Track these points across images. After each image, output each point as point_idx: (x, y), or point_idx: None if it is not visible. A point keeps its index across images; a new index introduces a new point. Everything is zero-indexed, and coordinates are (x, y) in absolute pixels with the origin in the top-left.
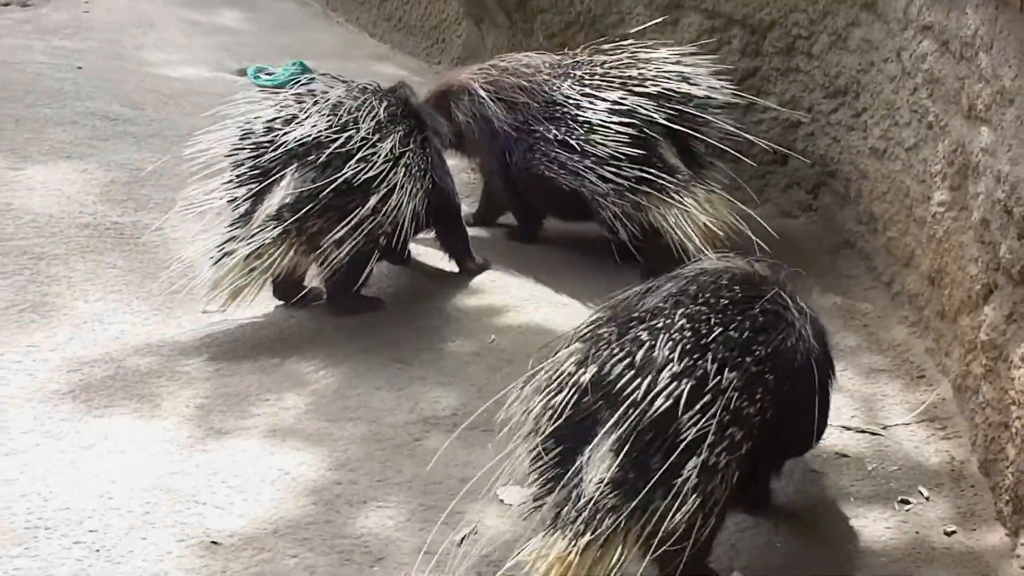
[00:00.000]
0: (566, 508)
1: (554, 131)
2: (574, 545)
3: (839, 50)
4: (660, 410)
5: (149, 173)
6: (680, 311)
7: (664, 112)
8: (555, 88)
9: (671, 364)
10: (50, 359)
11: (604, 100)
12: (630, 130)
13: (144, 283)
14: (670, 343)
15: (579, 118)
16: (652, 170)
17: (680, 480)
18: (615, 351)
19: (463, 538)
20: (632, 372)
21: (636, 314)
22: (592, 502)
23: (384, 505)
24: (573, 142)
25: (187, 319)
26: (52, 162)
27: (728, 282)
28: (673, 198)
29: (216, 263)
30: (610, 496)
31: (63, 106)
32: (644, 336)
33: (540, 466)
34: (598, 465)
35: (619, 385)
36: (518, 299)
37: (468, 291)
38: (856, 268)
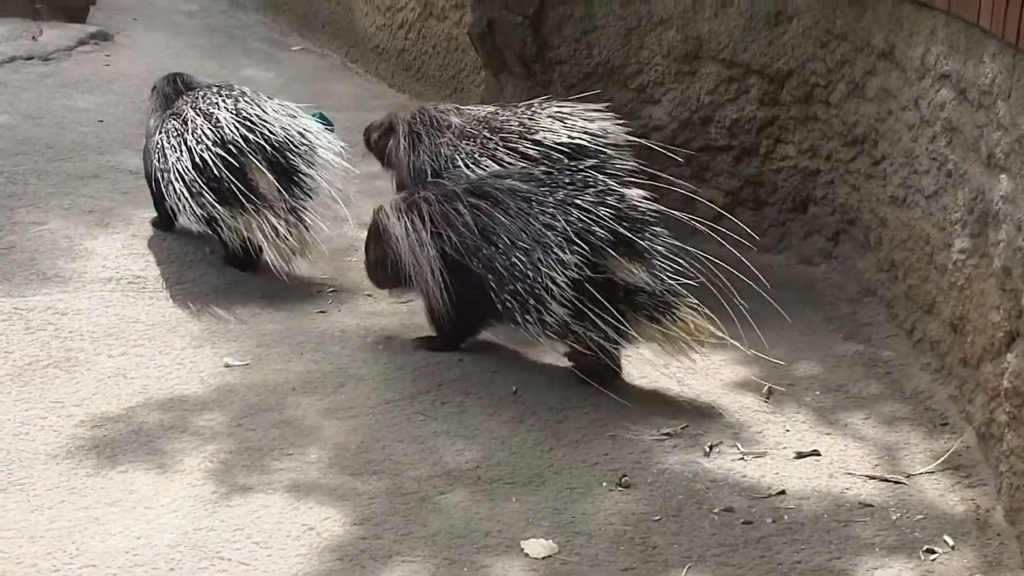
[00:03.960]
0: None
1: None
2: (689, 310)
3: (857, 99)
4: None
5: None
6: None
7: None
8: (454, 151)
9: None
10: (74, 415)
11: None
12: None
13: (166, 337)
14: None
15: None
16: None
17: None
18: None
19: None
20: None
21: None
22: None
23: (409, 560)
24: None
25: (209, 372)
26: (74, 216)
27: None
28: None
29: None
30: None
31: (85, 160)
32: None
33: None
34: (645, 277)
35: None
36: (539, 351)
37: (488, 344)
38: (877, 315)
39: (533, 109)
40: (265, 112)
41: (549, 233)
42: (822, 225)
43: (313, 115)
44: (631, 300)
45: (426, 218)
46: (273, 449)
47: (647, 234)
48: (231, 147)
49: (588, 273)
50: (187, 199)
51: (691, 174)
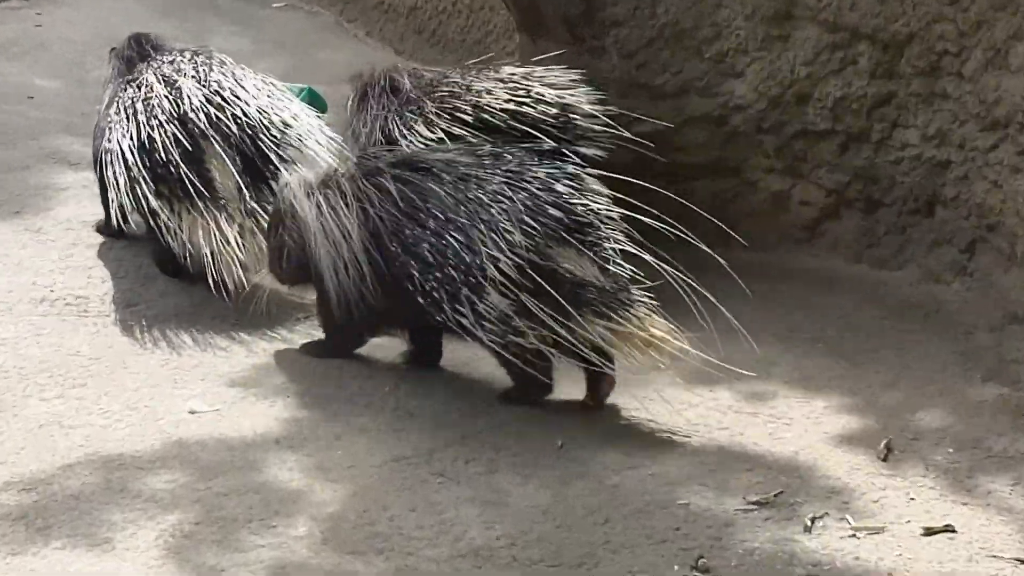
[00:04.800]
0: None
1: None
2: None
3: (998, 70)
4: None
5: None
6: None
7: None
8: (397, 119)
9: None
10: None
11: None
12: None
13: (115, 374)
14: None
15: None
16: None
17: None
18: None
19: None
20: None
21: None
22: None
23: None
24: None
25: (168, 420)
26: None
27: None
28: None
29: None
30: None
31: (11, 147)
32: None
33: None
34: (594, 271)
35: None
36: (582, 394)
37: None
38: None
39: (485, 71)
40: (243, 87)
41: (492, 209)
42: (954, 232)
43: (299, 92)
44: (576, 295)
45: (346, 194)
46: (251, 520)
47: (600, 231)
48: (189, 125)
49: (534, 258)
50: (123, 187)
51: (784, 167)
